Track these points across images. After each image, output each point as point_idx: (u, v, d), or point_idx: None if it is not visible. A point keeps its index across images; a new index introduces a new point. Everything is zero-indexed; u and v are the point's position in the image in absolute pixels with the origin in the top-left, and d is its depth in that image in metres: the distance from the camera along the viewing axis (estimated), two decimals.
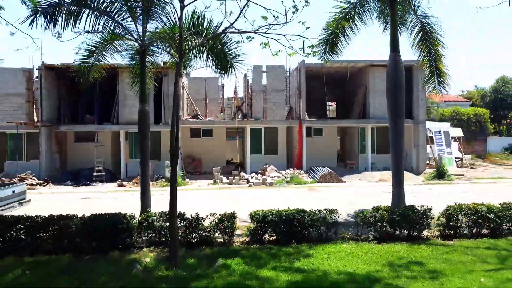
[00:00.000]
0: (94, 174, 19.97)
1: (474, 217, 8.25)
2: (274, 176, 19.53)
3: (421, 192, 15.71)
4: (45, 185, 18.76)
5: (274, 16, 6.92)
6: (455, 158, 24.61)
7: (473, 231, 8.36)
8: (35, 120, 20.57)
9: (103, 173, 20.02)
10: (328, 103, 30.46)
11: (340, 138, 27.69)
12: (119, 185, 18.91)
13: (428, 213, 8.21)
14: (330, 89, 26.01)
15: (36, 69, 20.51)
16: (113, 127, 21.54)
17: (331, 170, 19.76)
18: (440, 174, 19.85)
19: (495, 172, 23.29)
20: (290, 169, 20.99)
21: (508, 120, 39.47)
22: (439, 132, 24.48)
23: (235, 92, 25.36)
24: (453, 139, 26.63)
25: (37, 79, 20.73)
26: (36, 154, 21.15)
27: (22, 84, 20.52)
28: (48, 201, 14.07)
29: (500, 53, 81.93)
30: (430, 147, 24.86)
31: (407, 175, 20.67)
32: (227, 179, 19.26)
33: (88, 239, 7.61)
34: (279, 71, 21.99)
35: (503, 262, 6.45)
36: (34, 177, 19.23)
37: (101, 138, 22.32)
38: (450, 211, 8.28)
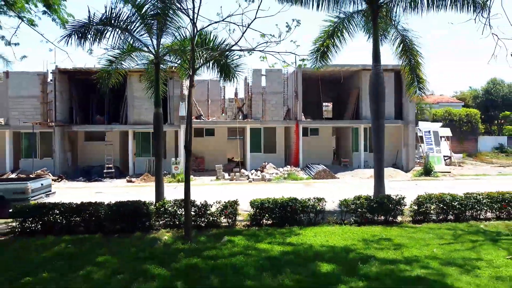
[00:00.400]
0: (105, 171, 21.39)
1: (441, 205, 9.71)
2: (273, 173, 20.98)
3: (407, 187, 17.05)
4: (59, 181, 20.18)
5: (270, 35, 8.38)
6: (444, 156, 26.04)
7: (440, 217, 9.80)
8: (49, 120, 22.00)
9: (113, 170, 21.46)
10: (325, 103, 31.88)
11: (336, 137, 29.15)
12: (128, 181, 20.36)
13: (402, 201, 9.67)
14: (327, 90, 27.46)
15: (50, 72, 21.97)
16: (122, 127, 22.98)
17: (325, 168, 21.20)
18: (427, 171, 21.30)
19: (482, 170, 24.73)
20: (288, 166, 22.45)
21: (499, 120, 40.97)
22: (429, 131, 25.88)
23: (236, 94, 26.81)
24: (444, 138, 28.09)
25: (51, 82, 22.19)
26: (48, 152, 22.62)
27: (37, 87, 21.95)
28: (67, 194, 15.46)
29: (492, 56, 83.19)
30: (420, 146, 26.34)
31: (397, 172, 22.18)
32: (229, 175, 20.70)
33: (114, 222, 9.06)
34: (277, 75, 23.41)
35: (456, 238, 7.87)
36: (49, 174, 20.66)
37: (110, 137, 23.75)
38: (420, 199, 9.74)
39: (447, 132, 27.92)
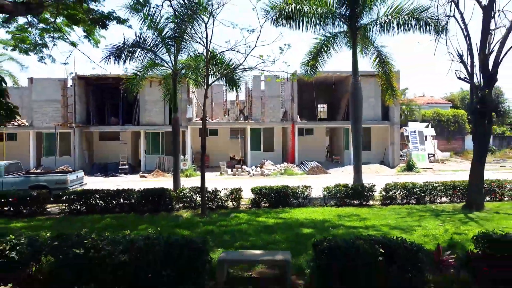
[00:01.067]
0: (120, 167, 23.76)
1: (404, 191, 12.09)
2: (271, 169, 23.36)
3: (389, 181, 19.30)
4: None
5: (268, 56, 10.76)
6: (429, 154, 28.39)
7: (404, 201, 12.16)
8: (69, 121, 24.36)
9: (127, 166, 23.85)
10: (321, 105, 34.27)
11: (330, 136, 31.55)
12: (141, 176, 22.73)
13: (372, 188, 12.04)
14: (321, 93, 29.79)
15: (70, 78, 24.32)
16: (134, 127, 25.35)
17: (318, 164, 23.58)
18: (410, 167, 23.69)
19: (461, 166, 27.06)
20: (284, 163, 24.83)
21: None
22: (414, 131, 28.24)
23: (237, 97, 29.19)
24: (431, 137, 30.44)
25: (70, 87, 24.54)
26: (67, 150, 24.98)
27: (58, 92, 24.31)
28: (91, 187, 17.81)
29: None
30: (407, 144, 28.68)
31: (383, 168, 24.56)
32: (231, 171, 23.08)
33: (143, 204, 11.42)
34: (276, 84, 25.74)
35: (409, 214, 10.24)
36: (70, 169, 22.99)
37: (123, 137, 26.11)
38: (388, 186, 12.12)
39: (431, 131, 30.29)
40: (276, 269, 6.00)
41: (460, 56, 10.59)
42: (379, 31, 13.87)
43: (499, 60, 10.32)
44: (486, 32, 10.43)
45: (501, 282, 4.92)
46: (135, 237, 5.74)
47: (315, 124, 27.50)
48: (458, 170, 24.29)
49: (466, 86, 70.16)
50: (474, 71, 10.67)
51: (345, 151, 26.62)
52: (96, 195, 11.51)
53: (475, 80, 10.72)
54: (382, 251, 5.18)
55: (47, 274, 5.79)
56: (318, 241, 5.54)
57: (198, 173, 23.32)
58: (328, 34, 14.56)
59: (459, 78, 10.77)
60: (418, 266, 5.19)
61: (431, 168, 25.02)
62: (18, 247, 5.73)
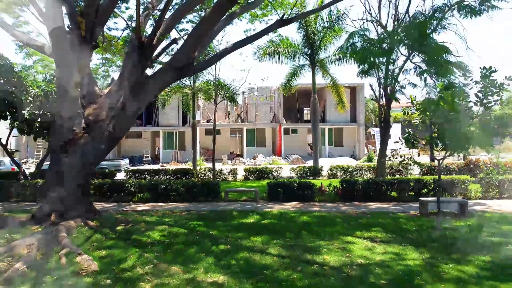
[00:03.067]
0: (144, 159, 30.42)
1: (342, 170, 18.78)
2: (262, 160, 30.02)
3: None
4: None
5: (254, 84, 17.45)
6: (392, 149, 34.93)
7: (343, 176, 18.83)
8: None
9: (150, 158, 30.50)
10: (306, 108, 40.90)
11: (312, 134, 38.20)
12: (161, 166, 29.35)
13: (321, 168, 18.73)
14: (306, 99, 36.32)
15: None
16: (154, 128, 31.98)
17: (299, 156, 30.25)
18: (369, 159, 30.35)
19: (416, 159, 33.68)
20: (273, 156, 31.49)
21: None
22: (379, 131, 34.84)
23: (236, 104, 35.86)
24: (399, 136, 37.05)
25: None
26: None
27: None
28: None
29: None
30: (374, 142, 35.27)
31: (350, 160, 31.18)
32: (231, 162, 29.73)
33: (176, 178, 18.07)
34: (266, 90, 32.39)
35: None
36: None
37: (144, 135, 32.71)
38: (331, 167, 18.81)
39: (395, 131, 36.92)
40: (251, 198, 12.67)
41: (371, 86, 17.23)
42: (331, 64, 20.54)
43: (394, 89, 16.91)
44: (387, 70, 17.01)
45: (345, 197, 11.67)
46: (187, 180, 12.47)
47: (298, 125, 34.18)
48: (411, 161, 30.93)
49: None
50: (381, 95, 17.26)
51: (322, 147, 33.25)
52: (145, 172, 18.18)
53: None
54: (296, 185, 11.91)
55: (144, 199, 12.55)
56: (269, 182, 12.28)
57: (205, 163, 29.97)
58: (297, 65, 21.21)
59: (372, 99, 17.41)
60: (311, 191, 11.92)
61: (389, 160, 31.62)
62: (132, 185, 12.47)
